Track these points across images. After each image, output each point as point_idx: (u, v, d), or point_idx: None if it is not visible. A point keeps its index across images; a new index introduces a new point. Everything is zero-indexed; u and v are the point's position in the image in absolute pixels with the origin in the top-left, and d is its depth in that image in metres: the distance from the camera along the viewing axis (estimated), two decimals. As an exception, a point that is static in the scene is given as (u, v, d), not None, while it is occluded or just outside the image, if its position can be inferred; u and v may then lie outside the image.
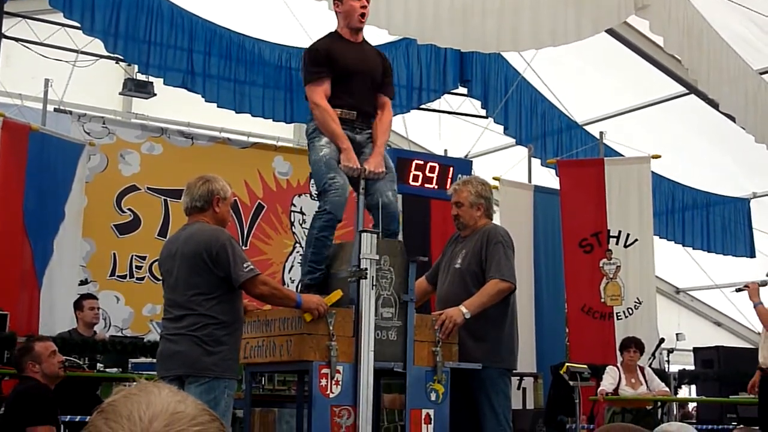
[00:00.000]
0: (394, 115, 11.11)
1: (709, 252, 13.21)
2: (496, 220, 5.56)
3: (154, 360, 7.19)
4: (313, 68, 5.18)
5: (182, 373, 4.61)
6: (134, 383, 1.42)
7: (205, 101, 10.37)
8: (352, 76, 5.20)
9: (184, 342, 4.61)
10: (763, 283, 7.79)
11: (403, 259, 4.93)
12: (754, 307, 7.69)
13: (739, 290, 8.41)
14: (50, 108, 9.74)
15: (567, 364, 7.87)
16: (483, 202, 5.34)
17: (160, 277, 5.06)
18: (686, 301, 16.06)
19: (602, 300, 10.13)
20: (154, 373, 6.98)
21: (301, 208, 11.13)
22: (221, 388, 4.59)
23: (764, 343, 7.70)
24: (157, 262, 9.64)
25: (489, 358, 5.07)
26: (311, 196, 10.90)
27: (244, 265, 4.63)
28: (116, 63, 10.82)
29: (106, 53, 10.06)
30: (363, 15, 5.26)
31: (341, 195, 4.99)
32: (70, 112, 10.13)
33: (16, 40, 9.92)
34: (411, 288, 4.92)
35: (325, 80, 5.13)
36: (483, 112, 11.98)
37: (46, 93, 9.48)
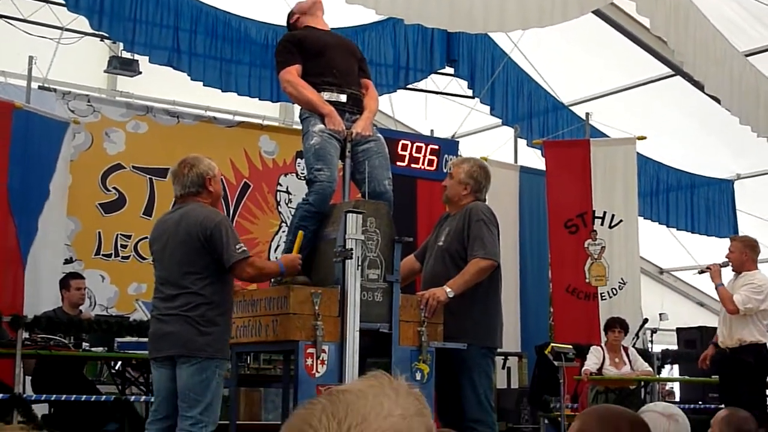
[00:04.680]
0: (381, 95, 11.20)
1: (693, 233, 13.27)
2: (482, 200, 5.56)
3: (140, 339, 7.23)
4: (282, 56, 5.30)
5: (174, 353, 4.62)
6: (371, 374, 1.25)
7: (191, 80, 10.32)
8: (329, 48, 5.29)
9: (177, 322, 4.61)
10: (725, 264, 7.78)
11: (388, 220, 4.96)
12: (716, 288, 7.67)
13: (701, 272, 8.37)
14: (34, 86, 9.63)
15: (552, 344, 7.91)
16: (471, 182, 5.34)
17: (151, 256, 5.05)
18: (670, 281, 16.11)
19: (587, 280, 10.17)
20: (140, 352, 7.03)
21: (287, 188, 11.09)
22: (212, 368, 4.60)
23: (724, 323, 7.69)
24: (142, 241, 9.74)
25: (470, 336, 5.07)
26: (297, 175, 10.88)
27: (237, 246, 4.63)
28: (101, 41, 10.75)
29: (91, 31, 9.99)
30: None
31: (326, 188, 5.00)
32: (55, 90, 10.04)
33: (0, 17, 9.84)
34: (396, 268, 4.93)
35: (295, 63, 5.22)
36: (470, 93, 11.97)
37: (30, 70, 9.40)
